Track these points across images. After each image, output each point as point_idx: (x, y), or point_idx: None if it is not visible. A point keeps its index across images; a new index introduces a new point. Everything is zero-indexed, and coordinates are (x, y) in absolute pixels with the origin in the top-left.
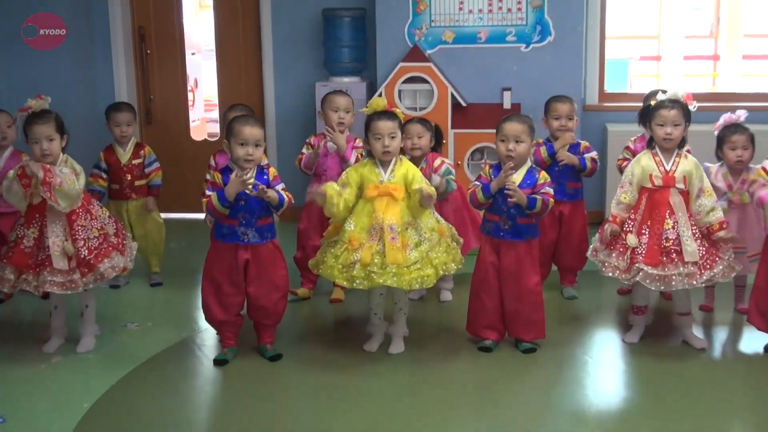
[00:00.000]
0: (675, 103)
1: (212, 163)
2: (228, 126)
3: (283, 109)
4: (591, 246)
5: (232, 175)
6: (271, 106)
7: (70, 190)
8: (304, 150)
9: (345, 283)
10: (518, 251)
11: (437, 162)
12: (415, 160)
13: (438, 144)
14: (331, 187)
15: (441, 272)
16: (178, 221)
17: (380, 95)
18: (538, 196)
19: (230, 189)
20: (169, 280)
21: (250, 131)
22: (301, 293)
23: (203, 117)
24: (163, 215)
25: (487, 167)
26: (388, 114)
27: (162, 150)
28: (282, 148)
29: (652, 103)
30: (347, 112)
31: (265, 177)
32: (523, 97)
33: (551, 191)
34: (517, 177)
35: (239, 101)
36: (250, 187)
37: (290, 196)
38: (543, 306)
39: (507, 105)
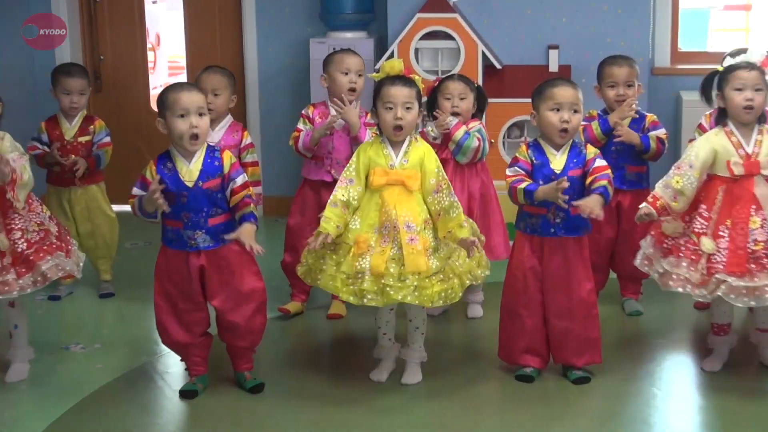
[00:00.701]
0: (753, 65)
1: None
2: (159, 98)
3: (268, 73)
4: (641, 253)
5: (151, 187)
6: (253, 69)
7: (27, 180)
8: (300, 125)
9: (351, 299)
10: (567, 251)
11: (471, 125)
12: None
13: (480, 110)
14: (328, 222)
15: (467, 282)
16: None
17: (392, 55)
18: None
19: (146, 204)
20: (123, 290)
21: (189, 97)
22: (293, 308)
23: (167, 83)
24: (117, 208)
25: (524, 147)
26: (404, 79)
27: (115, 124)
28: (267, 122)
29: (720, 68)
30: (359, 75)
31: (217, 164)
32: (574, 58)
33: (609, 173)
34: (561, 160)
35: (213, 62)
36: (163, 206)
37: (255, 194)
38: (598, 322)
39: (553, 67)
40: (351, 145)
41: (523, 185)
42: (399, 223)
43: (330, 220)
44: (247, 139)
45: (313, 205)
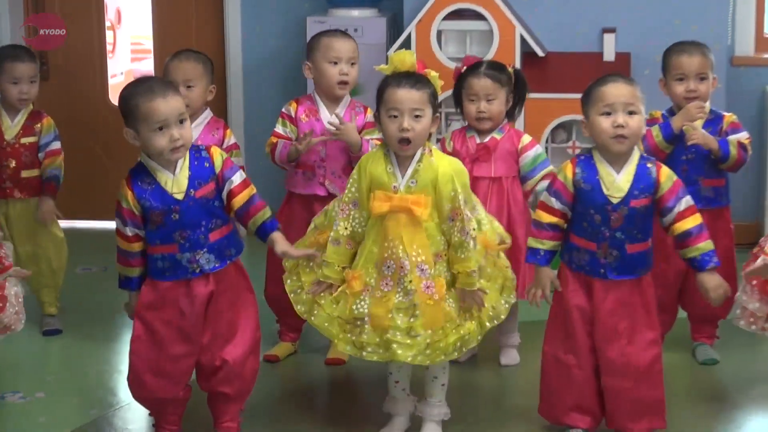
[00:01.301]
0: None
1: None
2: (126, 106)
3: (255, 59)
4: (739, 307)
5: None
6: (237, 54)
7: None
8: (278, 128)
9: (349, 349)
10: (624, 294)
11: (527, 138)
12: (483, 133)
13: (518, 103)
14: (330, 268)
15: (487, 325)
16: (87, 234)
17: (409, 39)
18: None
19: (127, 309)
20: (71, 326)
21: (166, 105)
22: (282, 351)
23: (129, 69)
24: (65, 225)
25: (570, 164)
26: (414, 78)
27: (64, 122)
28: (253, 120)
29: None
30: (352, 64)
31: (207, 165)
32: (635, 44)
33: (690, 199)
34: (623, 183)
35: (186, 45)
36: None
37: (265, 203)
38: (662, 378)
39: (609, 55)
40: (347, 153)
41: (537, 245)
42: (409, 264)
43: (332, 264)
44: (231, 139)
45: (303, 223)
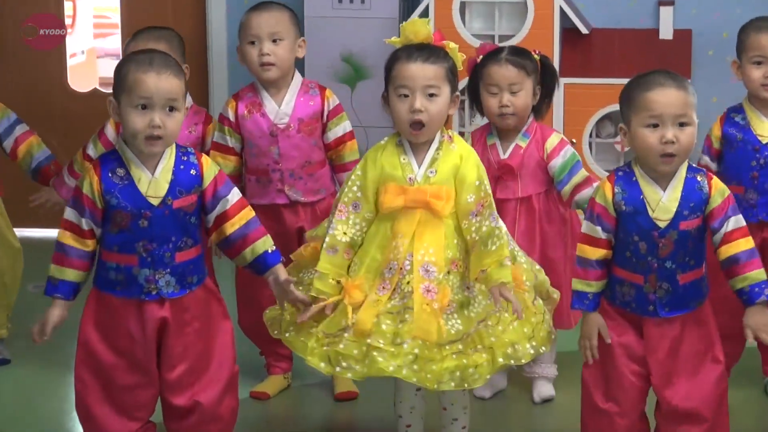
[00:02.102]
0: None
1: (108, 134)
2: (117, 69)
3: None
4: None
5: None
6: (220, 32)
7: None
8: (216, 137)
9: (322, 365)
10: (681, 332)
11: (551, 142)
12: (506, 136)
13: (546, 97)
14: (324, 281)
15: (500, 361)
16: (40, 244)
17: (426, 13)
18: None
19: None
20: (22, 354)
21: (157, 82)
22: (273, 387)
23: (92, 47)
24: (18, 232)
25: (608, 183)
26: (427, 51)
27: (14, 109)
28: None
29: None
30: (276, 40)
31: (194, 174)
32: (697, 19)
33: (743, 223)
34: (670, 203)
35: (160, 19)
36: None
37: (265, 230)
38: (728, 419)
39: (666, 33)
40: (311, 142)
41: (582, 287)
42: (414, 262)
43: (327, 276)
44: (214, 136)
45: (271, 231)
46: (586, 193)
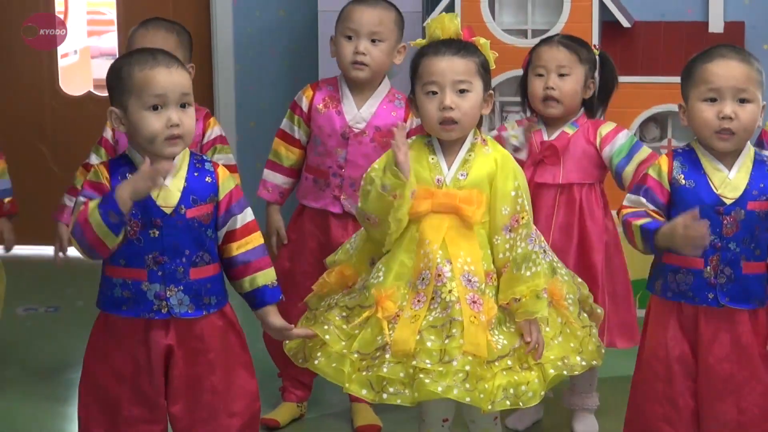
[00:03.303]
0: None
1: (107, 136)
2: (114, 73)
3: (249, 32)
4: None
5: (141, 167)
6: (226, 26)
7: None
8: (284, 124)
9: (364, 392)
10: (740, 332)
11: (606, 128)
12: (552, 123)
13: (604, 97)
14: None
15: (551, 373)
16: (30, 263)
17: (452, 7)
18: None
19: (124, 191)
20: (8, 385)
21: (169, 77)
22: (284, 415)
23: (86, 47)
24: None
25: (666, 158)
26: (457, 46)
27: (0, 115)
28: (246, 109)
29: None
30: (374, 41)
31: (210, 182)
32: (752, 11)
33: None
34: (738, 181)
35: (160, 13)
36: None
37: (270, 261)
38: None
39: (716, 26)
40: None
41: (640, 221)
42: (452, 270)
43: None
44: (214, 131)
45: (314, 244)
46: None
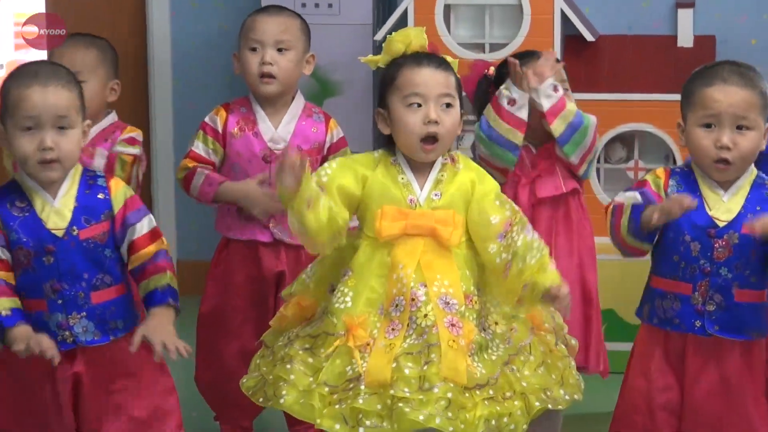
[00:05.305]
0: None
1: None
2: (3, 89)
3: (191, 45)
4: None
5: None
6: (163, 37)
7: None
8: (197, 146)
9: (338, 427)
10: (729, 366)
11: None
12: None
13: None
14: (308, 179)
15: (536, 405)
16: None
17: (405, 17)
18: None
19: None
20: None
21: (43, 97)
22: None
23: (12, 60)
24: None
25: (663, 171)
26: (437, 59)
27: None
28: (185, 126)
29: None
30: (280, 49)
31: (102, 198)
32: (722, 24)
33: None
34: (732, 204)
35: (92, 25)
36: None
37: (170, 265)
38: None
39: (685, 40)
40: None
41: (629, 204)
42: (428, 294)
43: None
44: (125, 135)
45: (241, 278)
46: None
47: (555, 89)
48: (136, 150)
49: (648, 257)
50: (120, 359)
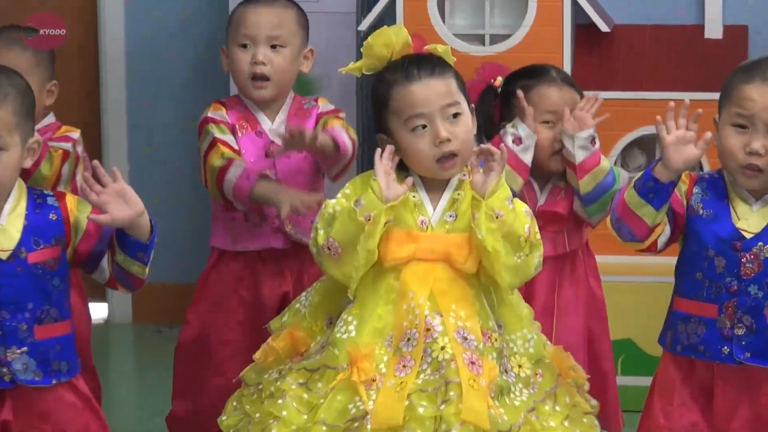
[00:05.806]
0: None
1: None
2: None
3: (147, 40)
4: None
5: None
6: (116, 33)
7: None
8: (218, 134)
9: None
10: (765, 399)
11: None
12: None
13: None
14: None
15: None
16: None
17: (392, 9)
18: None
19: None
20: None
21: None
22: None
23: None
24: None
25: (687, 178)
26: (429, 64)
27: None
28: (141, 134)
29: None
30: (274, 46)
31: (54, 219)
32: (756, 12)
33: None
34: (763, 215)
35: (27, 14)
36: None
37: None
38: None
39: (714, 31)
40: (315, 168)
41: (633, 181)
42: (444, 324)
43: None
44: (72, 137)
45: (234, 303)
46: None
47: (593, 141)
48: (66, 145)
49: (672, 278)
50: (56, 410)
